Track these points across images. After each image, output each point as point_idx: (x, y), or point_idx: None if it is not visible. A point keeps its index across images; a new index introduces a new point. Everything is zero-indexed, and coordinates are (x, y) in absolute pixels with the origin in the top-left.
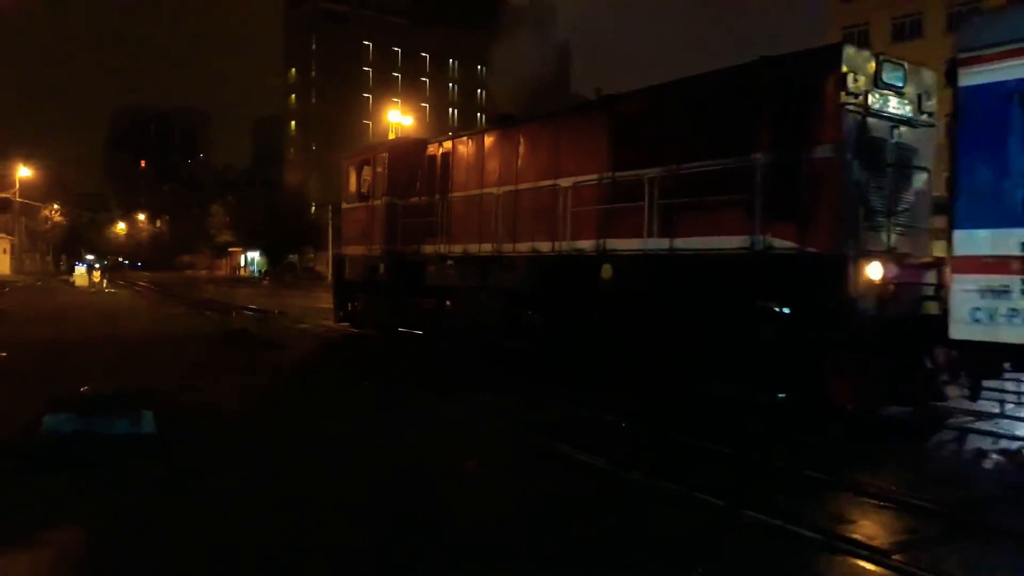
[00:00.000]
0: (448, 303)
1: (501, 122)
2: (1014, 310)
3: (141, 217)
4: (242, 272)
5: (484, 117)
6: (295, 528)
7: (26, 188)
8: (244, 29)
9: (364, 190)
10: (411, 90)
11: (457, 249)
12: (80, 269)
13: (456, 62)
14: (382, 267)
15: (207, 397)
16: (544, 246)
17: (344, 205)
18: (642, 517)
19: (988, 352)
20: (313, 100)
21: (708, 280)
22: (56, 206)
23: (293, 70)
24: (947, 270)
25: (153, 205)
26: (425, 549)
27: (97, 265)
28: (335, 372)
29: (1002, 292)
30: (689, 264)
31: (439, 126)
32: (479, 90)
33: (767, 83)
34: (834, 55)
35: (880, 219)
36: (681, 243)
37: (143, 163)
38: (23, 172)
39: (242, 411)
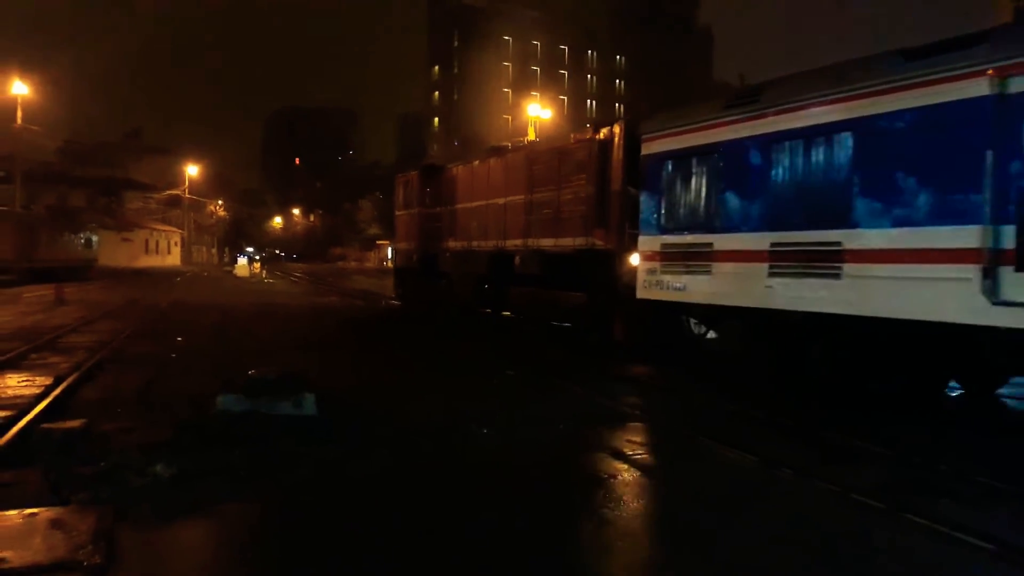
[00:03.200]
0: (451, 283)
1: (488, 152)
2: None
3: (296, 212)
4: (388, 264)
5: (622, 107)
6: (449, 508)
7: (194, 185)
8: (390, 28)
9: (405, 201)
10: (550, 83)
11: (456, 246)
12: (242, 260)
13: (595, 53)
14: (415, 257)
15: (360, 380)
16: (491, 243)
17: (396, 212)
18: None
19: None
20: (455, 96)
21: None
22: (220, 202)
23: (436, 67)
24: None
25: (307, 200)
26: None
27: (257, 257)
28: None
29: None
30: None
31: (577, 118)
32: (618, 80)
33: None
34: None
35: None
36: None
37: (297, 160)
38: (191, 171)
39: (391, 390)
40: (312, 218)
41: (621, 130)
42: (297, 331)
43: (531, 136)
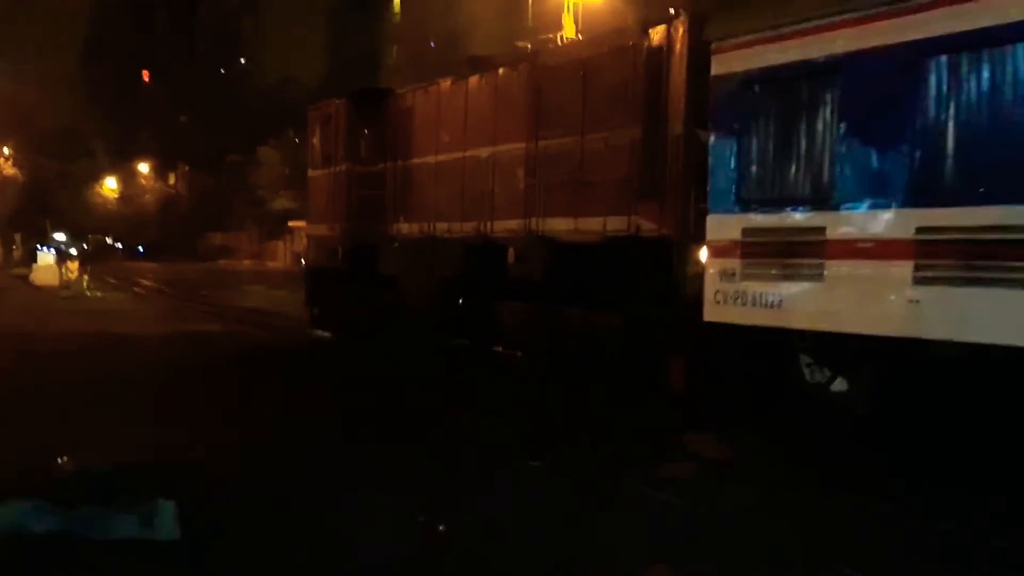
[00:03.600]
0: (401, 294)
1: (467, 68)
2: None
3: (144, 169)
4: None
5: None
6: None
7: None
8: None
9: (324, 153)
10: None
11: (410, 230)
12: (46, 257)
13: None
14: (341, 250)
15: (260, 473)
16: (469, 227)
17: (309, 171)
18: None
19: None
20: None
21: None
22: (5, 150)
23: None
24: None
25: (163, 148)
26: None
27: (73, 250)
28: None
29: None
30: None
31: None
32: None
33: None
34: None
35: None
36: None
37: (146, 75)
38: None
39: (318, 495)
40: (174, 180)
41: (685, 33)
42: (149, 388)
43: (567, 28)
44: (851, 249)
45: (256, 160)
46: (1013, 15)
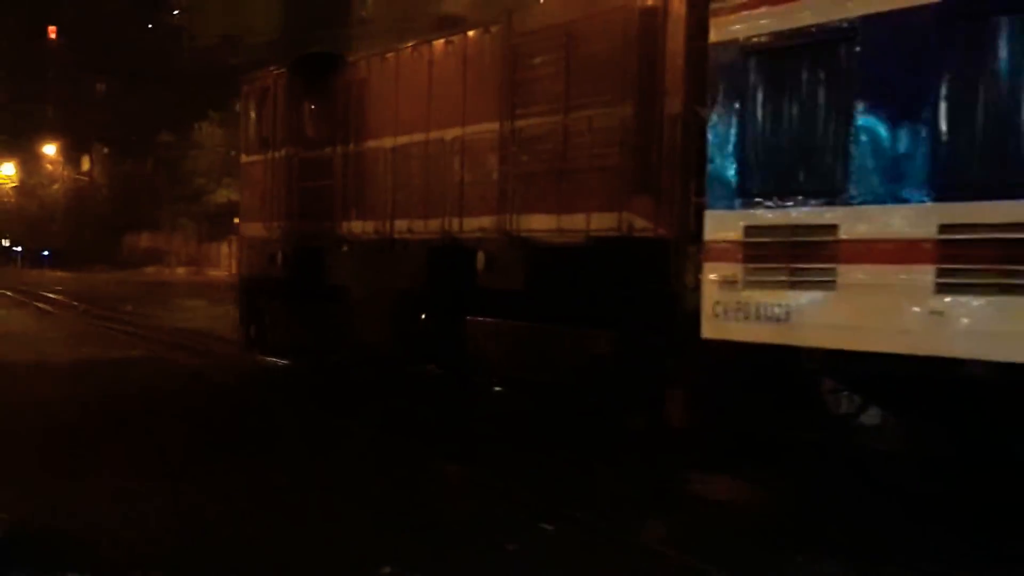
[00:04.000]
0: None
1: (433, 32)
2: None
3: (50, 151)
4: None
5: None
6: None
7: None
8: None
9: (260, 135)
10: None
11: (362, 229)
12: None
13: None
14: (281, 255)
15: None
16: (432, 225)
17: (243, 157)
18: None
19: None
20: None
21: None
22: None
23: None
24: None
25: (74, 124)
26: None
27: None
28: None
29: None
30: None
31: None
32: None
33: None
34: None
35: None
36: None
37: (51, 32)
38: None
39: None
40: (88, 167)
41: None
42: (38, 435)
43: None
44: (865, 252)
45: (193, 141)
46: None
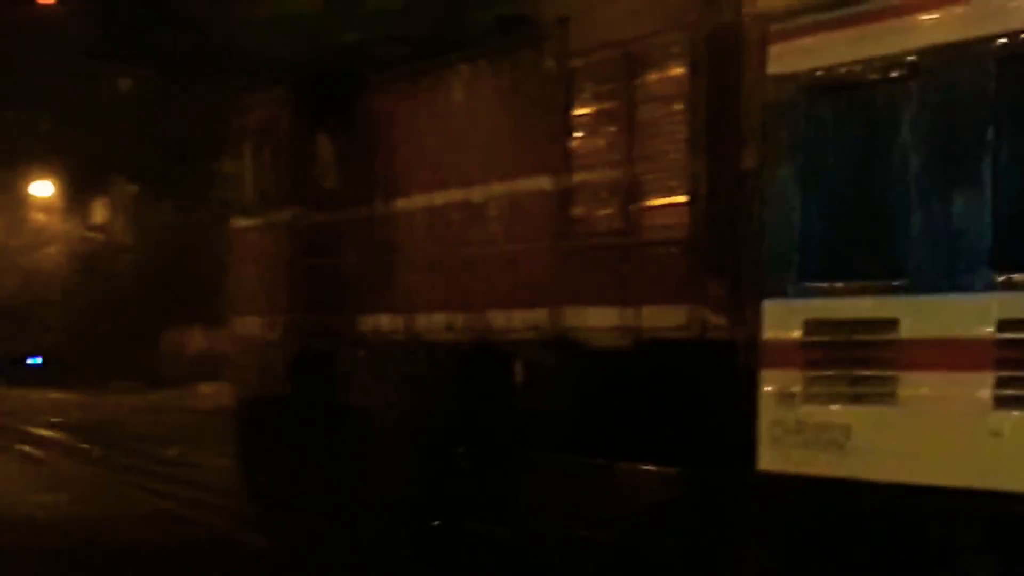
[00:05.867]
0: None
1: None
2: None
3: (40, 191)
4: None
5: None
6: None
7: None
8: None
9: (262, 186)
10: None
11: (388, 326)
12: None
13: None
14: (281, 362)
15: None
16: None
17: (233, 220)
18: None
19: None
20: None
21: None
22: None
23: None
24: None
25: (81, 147)
26: None
27: None
28: None
29: None
30: None
31: None
32: None
33: None
34: None
35: None
36: None
37: None
38: None
39: None
40: (103, 217)
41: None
42: None
43: None
44: (924, 355)
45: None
46: None
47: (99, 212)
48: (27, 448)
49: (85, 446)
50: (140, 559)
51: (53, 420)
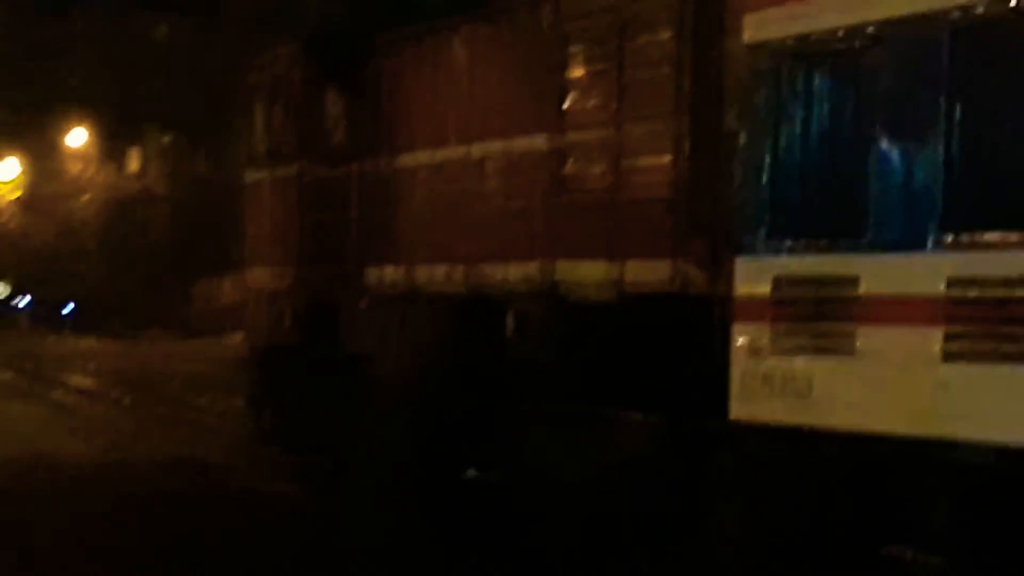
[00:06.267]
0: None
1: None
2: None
3: (74, 140)
4: None
5: None
6: None
7: None
8: None
9: (275, 140)
10: None
11: (392, 277)
12: None
13: None
14: (288, 314)
15: None
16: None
17: (247, 173)
18: None
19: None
20: None
21: None
22: None
23: None
24: None
25: (115, 96)
26: None
27: None
28: None
29: None
30: None
31: None
32: None
33: None
34: None
35: None
36: None
37: None
38: None
39: None
40: (137, 165)
41: None
42: None
43: None
44: (881, 310)
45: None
46: None
47: (133, 161)
48: (60, 395)
49: (117, 394)
50: (170, 506)
51: (86, 367)
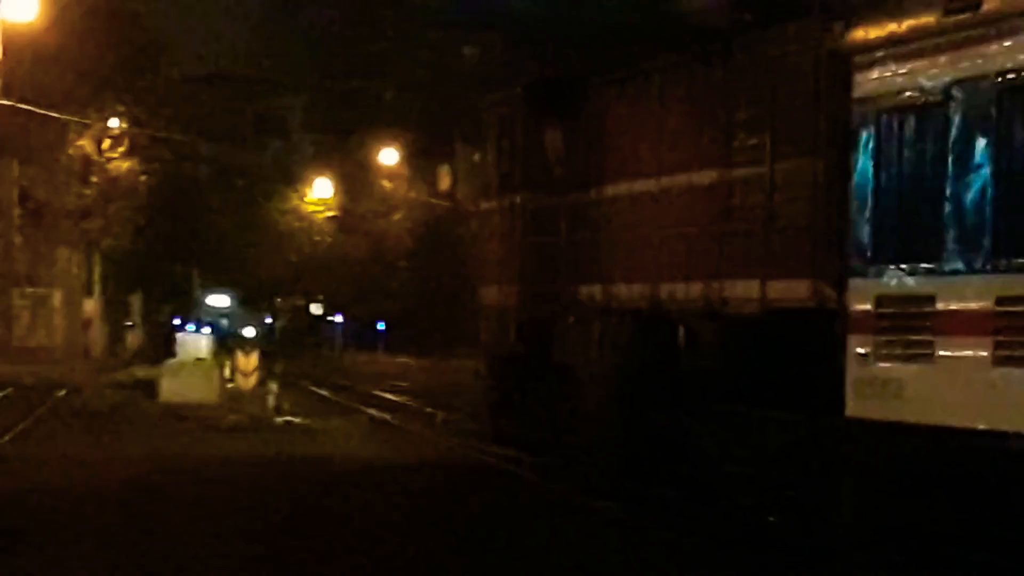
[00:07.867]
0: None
1: (675, 56)
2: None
3: (386, 159)
4: None
5: None
6: None
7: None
8: None
9: (503, 172)
10: None
11: (591, 295)
12: (192, 343)
13: None
14: (512, 327)
15: None
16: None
17: (481, 203)
18: None
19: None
20: None
21: None
22: (118, 123)
23: None
24: None
25: (426, 109)
26: None
27: (248, 330)
28: None
29: None
30: None
31: None
32: None
33: None
34: None
35: None
36: None
37: None
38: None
39: None
40: (448, 183)
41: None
42: None
43: None
44: (950, 324)
45: None
46: None
47: (444, 179)
48: (373, 411)
49: (429, 410)
50: (487, 523)
51: (398, 384)
